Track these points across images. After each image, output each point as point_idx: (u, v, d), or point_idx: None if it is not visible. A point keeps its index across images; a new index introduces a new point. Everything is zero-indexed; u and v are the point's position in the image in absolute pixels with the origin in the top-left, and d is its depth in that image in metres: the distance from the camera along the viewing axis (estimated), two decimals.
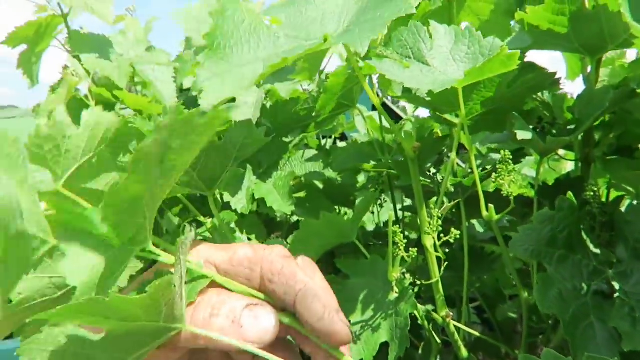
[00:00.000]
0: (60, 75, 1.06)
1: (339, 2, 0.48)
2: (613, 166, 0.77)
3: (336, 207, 1.11)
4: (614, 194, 0.92)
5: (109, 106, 1.11)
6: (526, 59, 0.69)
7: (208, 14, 0.47)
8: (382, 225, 1.17)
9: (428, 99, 0.54)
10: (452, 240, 0.56)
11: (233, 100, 0.88)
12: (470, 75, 0.48)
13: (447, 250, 0.79)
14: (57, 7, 1.05)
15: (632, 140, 0.76)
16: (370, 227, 1.23)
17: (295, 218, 1.08)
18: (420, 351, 0.77)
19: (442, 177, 0.80)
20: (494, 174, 0.53)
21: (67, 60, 1.09)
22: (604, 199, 0.78)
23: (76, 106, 1.07)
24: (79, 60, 1.03)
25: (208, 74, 0.39)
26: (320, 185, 0.98)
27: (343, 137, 1.64)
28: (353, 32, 0.41)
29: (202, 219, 0.73)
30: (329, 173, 0.94)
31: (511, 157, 0.52)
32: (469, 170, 1.04)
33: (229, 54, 0.41)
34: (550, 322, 0.71)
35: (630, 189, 0.72)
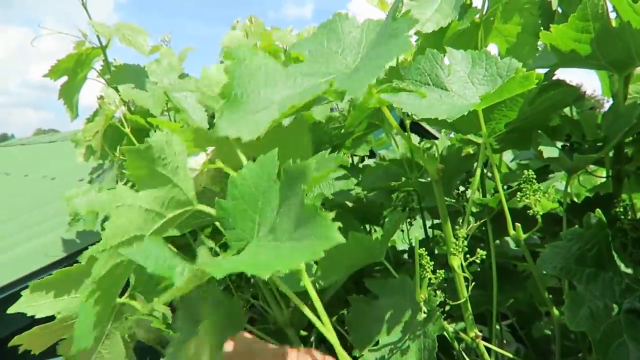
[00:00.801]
0: (97, 104, 1.11)
1: (355, 33, 0.50)
2: None
3: (366, 226, 1.12)
4: None
5: (143, 132, 1.15)
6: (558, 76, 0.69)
7: (223, 70, 0.50)
8: (412, 243, 1.16)
9: (449, 121, 0.54)
10: (478, 261, 0.56)
11: None
12: (488, 98, 0.49)
13: (478, 269, 0.79)
14: (95, 40, 1.11)
15: None
16: (401, 246, 1.23)
17: None
18: None
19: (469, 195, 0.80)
20: (518, 194, 0.53)
21: (102, 90, 1.14)
22: (638, 215, 0.77)
23: (112, 133, 1.12)
24: (116, 90, 1.08)
25: (225, 124, 0.42)
26: (350, 205, 0.99)
27: (371, 154, 1.64)
28: (356, 74, 0.43)
29: None
30: (359, 191, 0.95)
31: (535, 176, 0.52)
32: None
33: (245, 102, 0.44)
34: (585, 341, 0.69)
35: None
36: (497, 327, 0.99)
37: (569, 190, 1.20)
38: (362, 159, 1.42)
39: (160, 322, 0.79)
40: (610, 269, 0.53)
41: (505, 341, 1.16)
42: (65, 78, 1.12)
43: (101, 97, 1.13)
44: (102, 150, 1.08)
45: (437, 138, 1.21)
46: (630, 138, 0.77)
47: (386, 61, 0.46)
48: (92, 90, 1.25)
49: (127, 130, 1.07)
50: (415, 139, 1.19)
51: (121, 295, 0.75)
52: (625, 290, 0.52)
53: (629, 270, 0.54)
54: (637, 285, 0.52)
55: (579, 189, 1.23)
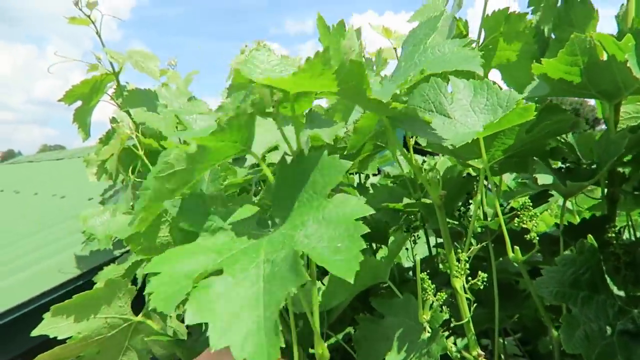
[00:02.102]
0: (108, 123, 1.15)
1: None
2: None
3: (373, 245, 1.15)
4: None
5: (156, 154, 1.19)
6: None
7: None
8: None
9: (451, 147, 0.57)
10: (479, 283, 0.59)
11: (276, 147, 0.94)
12: (490, 127, 0.52)
13: (481, 288, 0.82)
14: (108, 65, 1.15)
15: None
16: (406, 263, 1.25)
17: None
18: None
19: (471, 216, 0.83)
20: (516, 219, 0.56)
21: (115, 113, 1.18)
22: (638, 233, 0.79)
23: (125, 155, 1.16)
24: (128, 113, 1.12)
25: None
26: None
27: (377, 171, 1.67)
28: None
29: None
30: None
31: (531, 203, 0.55)
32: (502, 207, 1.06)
33: None
34: None
35: None
36: (502, 342, 1.02)
37: (569, 208, 1.22)
38: (367, 177, 1.45)
39: (174, 339, 0.82)
40: (603, 292, 0.56)
41: (514, 355, 1.18)
42: (79, 102, 1.16)
43: (114, 120, 1.18)
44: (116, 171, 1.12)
45: (437, 155, 1.24)
46: (629, 157, 0.80)
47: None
48: (100, 108, 1.29)
49: (141, 152, 1.10)
50: (418, 158, 1.22)
51: (137, 314, 0.78)
52: (619, 313, 0.55)
53: (621, 293, 0.56)
54: (630, 307, 0.55)
55: (583, 203, 1.26)
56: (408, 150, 0.81)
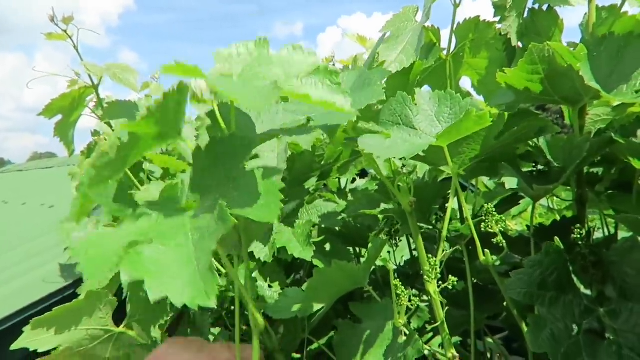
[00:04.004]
0: (91, 139, 1.15)
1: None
2: (612, 201, 0.80)
3: (355, 248, 1.16)
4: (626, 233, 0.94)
5: (137, 165, 1.19)
6: None
7: (205, 129, 0.55)
8: (400, 264, 1.20)
9: (423, 155, 0.59)
10: (450, 287, 0.60)
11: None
12: (444, 136, 0.54)
13: (452, 290, 0.83)
14: (87, 79, 1.16)
15: (631, 175, 0.79)
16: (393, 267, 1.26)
17: (315, 262, 1.12)
18: None
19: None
20: (482, 224, 0.58)
21: (97, 125, 1.19)
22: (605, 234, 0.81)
23: None
24: (110, 125, 1.12)
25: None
26: (338, 229, 1.03)
27: (363, 173, 1.69)
28: (330, 115, 0.48)
29: (222, 270, 0.80)
30: (346, 216, 0.99)
31: (494, 209, 0.56)
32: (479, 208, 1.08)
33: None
34: None
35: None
36: (483, 342, 1.03)
37: (551, 208, 1.24)
38: (354, 180, 1.46)
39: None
40: (570, 292, 0.58)
41: (500, 353, 1.20)
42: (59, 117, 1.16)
43: (96, 133, 1.18)
44: None
45: None
46: (599, 158, 0.82)
47: (360, 106, 0.52)
48: (88, 118, 1.30)
49: None
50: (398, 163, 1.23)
51: (118, 324, 0.79)
52: (585, 312, 0.57)
53: (588, 292, 0.58)
54: (596, 307, 0.57)
55: (563, 204, 1.28)
56: None
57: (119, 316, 0.80)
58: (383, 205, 0.87)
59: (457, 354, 0.65)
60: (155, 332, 0.87)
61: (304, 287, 0.76)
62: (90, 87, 1.13)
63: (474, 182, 1.08)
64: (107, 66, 1.11)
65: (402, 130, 0.59)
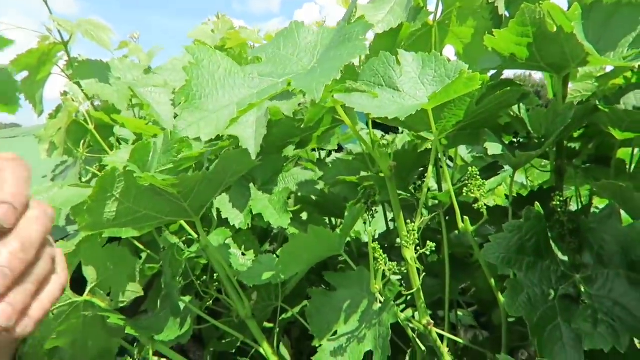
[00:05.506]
0: (60, 101, 1.11)
1: (311, 39, 0.52)
2: (590, 174, 0.81)
3: (332, 219, 1.15)
4: (601, 202, 0.95)
5: (107, 128, 1.15)
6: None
7: (182, 69, 0.52)
8: (376, 235, 1.20)
9: (401, 120, 0.57)
10: (428, 252, 0.59)
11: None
12: (435, 98, 0.52)
13: (428, 256, 0.83)
14: (57, 35, 1.10)
15: (608, 149, 0.79)
16: (365, 238, 1.26)
17: (291, 230, 1.11)
18: (407, 357, 0.80)
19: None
20: (464, 189, 0.57)
21: (66, 86, 1.13)
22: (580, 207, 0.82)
23: (76, 129, 1.12)
24: (79, 85, 1.08)
25: (185, 124, 0.43)
26: (315, 199, 1.02)
27: (339, 149, 1.68)
28: (313, 74, 0.45)
29: (195, 237, 0.78)
30: (323, 186, 0.97)
31: (478, 173, 0.55)
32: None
33: (204, 102, 0.46)
34: None
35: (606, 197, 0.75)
36: (456, 314, 1.04)
37: (523, 184, 1.25)
38: (329, 153, 1.45)
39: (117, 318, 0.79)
40: (548, 257, 0.58)
41: (469, 326, 1.22)
42: (25, 73, 1.11)
43: (65, 93, 1.13)
44: (65, 146, 1.08)
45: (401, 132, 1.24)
46: (580, 132, 0.82)
47: (341, 63, 0.49)
48: (58, 84, 1.24)
49: (92, 127, 1.07)
50: (379, 134, 1.22)
51: (81, 293, 0.76)
52: (561, 277, 0.57)
53: (565, 258, 0.58)
54: (572, 273, 0.57)
55: (537, 179, 1.29)
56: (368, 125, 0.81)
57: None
58: (362, 173, 0.86)
59: (431, 321, 0.65)
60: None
61: (278, 252, 0.74)
62: (60, 44, 1.07)
63: (452, 155, 1.08)
64: (79, 22, 1.05)
65: (384, 91, 0.57)
